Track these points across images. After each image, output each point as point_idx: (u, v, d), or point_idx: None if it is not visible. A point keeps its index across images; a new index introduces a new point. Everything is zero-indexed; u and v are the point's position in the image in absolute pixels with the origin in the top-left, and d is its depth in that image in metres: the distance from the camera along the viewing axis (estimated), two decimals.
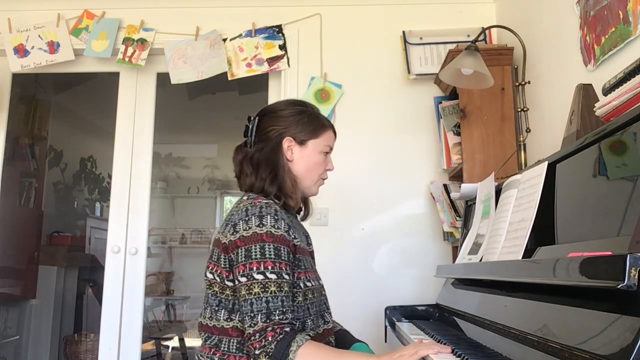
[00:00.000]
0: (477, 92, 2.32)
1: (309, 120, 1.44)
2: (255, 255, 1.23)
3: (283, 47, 2.78)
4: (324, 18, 2.82)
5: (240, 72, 2.76)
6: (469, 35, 2.64)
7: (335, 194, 2.67)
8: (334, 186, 2.68)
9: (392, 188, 2.67)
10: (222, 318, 1.30)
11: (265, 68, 2.77)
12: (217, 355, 1.28)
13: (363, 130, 2.72)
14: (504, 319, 1.21)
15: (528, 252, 1.26)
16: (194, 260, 5.69)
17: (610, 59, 1.61)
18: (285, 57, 2.77)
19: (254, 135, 1.43)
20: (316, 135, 1.45)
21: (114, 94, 2.92)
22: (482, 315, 1.37)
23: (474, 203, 1.80)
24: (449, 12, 2.78)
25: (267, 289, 1.21)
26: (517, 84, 2.16)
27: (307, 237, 1.57)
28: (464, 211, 2.05)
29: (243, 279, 1.23)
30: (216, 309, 1.31)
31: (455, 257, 2.15)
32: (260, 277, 1.21)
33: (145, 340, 3.42)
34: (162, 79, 2.88)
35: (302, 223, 1.56)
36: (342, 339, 1.50)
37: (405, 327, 1.79)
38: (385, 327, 1.95)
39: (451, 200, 2.43)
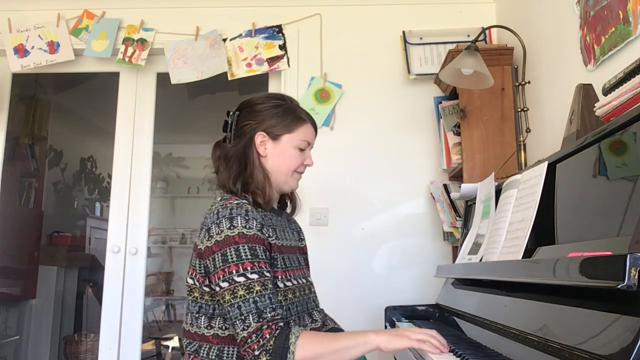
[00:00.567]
0: (477, 92, 2.32)
1: (284, 114, 1.40)
2: (232, 258, 1.21)
3: (283, 47, 2.78)
4: (324, 18, 2.82)
5: (240, 72, 2.76)
6: (469, 35, 2.64)
7: (335, 194, 2.67)
8: (334, 186, 2.69)
9: (392, 188, 2.67)
10: (202, 325, 1.28)
11: (265, 68, 2.76)
12: None
13: (363, 130, 2.72)
14: (504, 319, 1.21)
15: (528, 252, 1.26)
16: None
17: (610, 59, 1.61)
18: (285, 57, 2.77)
19: (233, 130, 1.40)
20: (290, 129, 1.39)
21: (114, 94, 2.92)
22: (482, 315, 1.37)
23: (474, 203, 1.80)
24: (449, 12, 2.78)
25: (251, 290, 1.19)
26: (517, 84, 2.16)
27: (299, 232, 1.56)
28: (464, 211, 2.05)
29: (225, 284, 1.20)
30: (197, 315, 1.30)
31: (455, 257, 2.15)
32: (242, 279, 1.19)
33: (145, 340, 3.42)
34: (162, 79, 2.88)
35: (299, 219, 1.54)
36: None
37: (405, 327, 1.79)
38: (385, 327, 1.95)
39: (451, 200, 2.43)
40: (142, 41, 2.79)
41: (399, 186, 2.67)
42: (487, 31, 2.61)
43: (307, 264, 1.55)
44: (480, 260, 1.52)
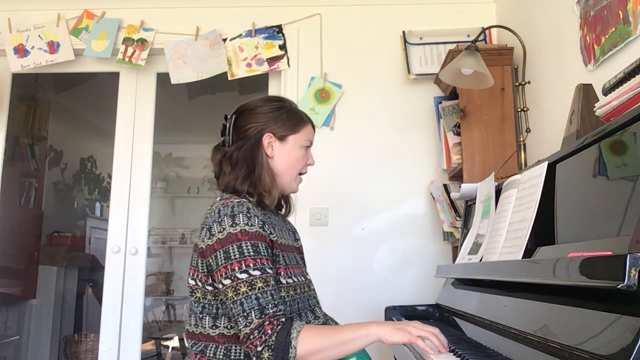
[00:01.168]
0: (477, 92, 2.32)
1: (288, 116, 1.43)
2: (235, 255, 1.22)
3: (283, 47, 2.78)
4: (324, 18, 2.82)
5: (240, 72, 2.76)
6: (469, 35, 2.64)
7: (335, 194, 2.67)
8: (334, 186, 2.69)
9: (392, 188, 2.67)
10: (207, 325, 1.29)
11: (265, 68, 2.77)
12: None
13: (363, 130, 2.72)
14: (504, 319, 1.21)
15: (528, 252, 1.26)
16: None
17: (610, 59, 1.61)
18: (285, 57, 2.77)
19: (232, 133, 1.41)
20: (296, 130, 1.43)
21: (114, 94, 2.91)
22: (482, 315, 1.37)
23: (474, 203, 1.80)
24: (449, 12, 2.78)
25: (254, 286, 1.19)
26: (517, 84, 2.16)
27: (294, 232, 1.57)
28: (464, 211, 2.05)
29: (227, 281, 1.21)
30: (200, 316, 1.30)
31: (455, 257, 2.15)
32: (244, 276, 1.20)
33: (145, 340, 3.43)
34: (162, 79, 2.88)
35: (294, 220, 1.55)
36: None
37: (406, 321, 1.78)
38: None
39: (451, 200, 2.43)
40: (142, 41, 2.79)
41: (399, 186, 2.67)
42: (487, 31, 2.61)
43: (304, 263, 1.56)
44: (480, 260, 1.52)
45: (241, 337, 1.19)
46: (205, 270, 1.29)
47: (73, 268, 4.41)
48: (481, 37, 2.39)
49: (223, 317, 1.28)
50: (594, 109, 1.28)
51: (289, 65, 2.77)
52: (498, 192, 1.57)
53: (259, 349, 1.15)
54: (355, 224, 2.67)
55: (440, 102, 2.53)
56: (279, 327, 1.16)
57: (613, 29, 1.59)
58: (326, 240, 2.63)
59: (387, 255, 2.64)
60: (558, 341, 0.92)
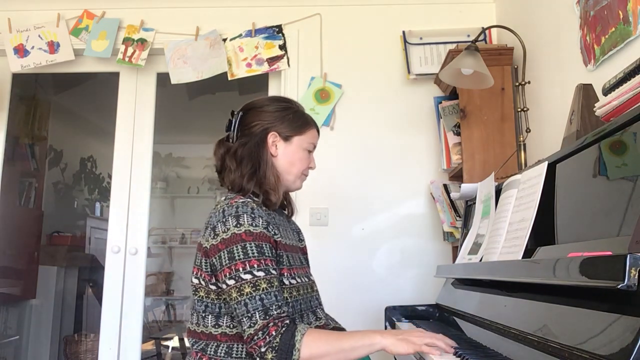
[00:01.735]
0: (477, 92, 2.32)
1: (295, 117, 1.44)
2: (239, 256, 1.22)
3: (283, 47, 2.78)
4: (324, 18, 2.82)
5: (240, 72, 2.76)
6: (469, 35, 2.64)
7: (335, 194, 2.67)
8: (334, 186, 2.69)
9: (392, 188, 2.67)
10: (209, 324, 1.29)
11: (265, 68, 2.77)
12: (204, 359, 1.27)
13: (363, 130, 2.72)
14: (504, 319, 1.21)
15: (528, 252, 1.26)
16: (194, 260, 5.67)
17: (610, 59, 1.61)
18: (285, 57, 2.77)
19: (237, 129, 1.42)
20: (301, 132, 1.44)
21: (114, 94, 2.91)
22: (482, 315, 1.37)
23: (474, 203, 1.80)
24: (449, 12, 2.78)
25: (258, 287, 1.20)
26: (517, 84, 2.16)
27: (299, 232, 1.57)
28: (464, 211, 2.05)
29: (231, 282, 1.21)
30: (203, 314, 1.30)
31: (455, 257, 2.15)
32: (248, 276, 1.20)
33: (145, 340, 3.43)
34: (162, 79, 2.88)
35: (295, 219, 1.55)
36: None
37: (405, 327, 1.79)
38: (385, 327, 1.95)
39: (451, 200, 2.43)
40: (142, 41, 2.79)
41: (399, 186, 2.67)
42: (487, 31, 2.61)
43: (308, 264, 1.56)
44: (480, 260, 1.52)
45: (245, 337, 1.19)
46: (208, 269, 1.29)
47: (73, 268, 4.41)
48: (481, 37, 2.39)
49: (226, 316, 1.28)
50: (594, 109, 1.28)
51: (289, 65, 2.77)
52: (498, 192, 1.57)
53: (263, 349, 1.15)
54: (355, 224, 2.67)
55: (440, 102, 2.53)
56: (284, 329, 1.16)
57: (613, 29, 1.59)
58: (326, 240, 2.63)
59: (387, 255, 2.64)
60: (558, 341, 0.92)
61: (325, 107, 2.71)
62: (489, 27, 2.51)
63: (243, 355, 1.26)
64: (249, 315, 1.18)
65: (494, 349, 1.20)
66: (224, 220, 1.26)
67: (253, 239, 1.24)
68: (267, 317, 1.17)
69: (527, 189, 1.36)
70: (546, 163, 1.30)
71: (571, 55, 1.86)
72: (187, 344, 1.36)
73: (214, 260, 1.26)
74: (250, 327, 1.18)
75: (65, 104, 4.51)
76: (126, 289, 2.73)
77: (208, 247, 1.28)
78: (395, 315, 1.96)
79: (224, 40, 2.78)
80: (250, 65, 2.76)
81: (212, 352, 1.27)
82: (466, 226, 1.92)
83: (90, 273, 4.58)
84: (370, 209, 2.67)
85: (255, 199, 1.34)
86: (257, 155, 1.39)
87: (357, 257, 2.63)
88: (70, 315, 4.37)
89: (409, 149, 2.70)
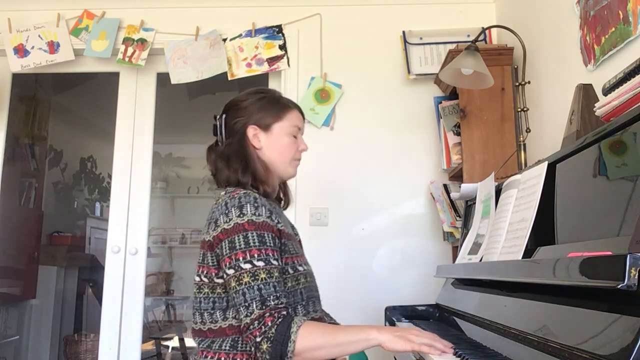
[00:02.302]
0: (477, 92, 2.32)
1: (270, 104, 1.43)
2: (240, 245, 1.22)
3: (283, 47, 2.78)
4: (324, 18, 2.82)
5: (240, 72, 2.76)
6: (469, 35, 2.64)
7: (335, 194, 2.67)
8: (334, 186, 2.69)
9: (392, 188, 2.67)
10: (219, 319, 1.28)
11: (265, 68, 2.77)
12: (209, 356, 1.27)
13: (363, 130, 2.72)
14: (504, 319, 1.21)
15: (528, 252, 1.26)
16: (194, 260, 5.65)
17: (610, 59, 1.61)
18: (285, 57, 2.77)
19: (223, 131, 1.42)
20: (279, 117, 1.42)
21: (114, 94, 2.91)
22: (482, 315, 1.37)
23: (474, 203, 1.80)
24: (449, 12, 2.78)
25: (257, 277, 1.19)
26: (517, 84, 2.16)
27: (293, 227, 1.57)
28: (464, 211, 2.05)
29: (231, 271, 1.21)
30: (212, 311, 1.29)
31: (455, 257, 2.15)
32: (248, 266, 1.20)
33: (145, 340, 3.42)
34: (162, 79, 2.88)
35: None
36: None
37: (405, 326, 1.78)
38: (385, 326, 1.95)
39: (451, 200, 2.43)
40: (142, 41, 2.79)
41: (399, 186, 2.67)
42: (487, 31, 2.61)
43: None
44: (480, 260, 1.52)
45: (241, 327, 1.19)
46: (215, 263, 1.28)
47: (73, 268, 4.41)
48: (481, 37, 2.39)
49: (232, 309, 1.27)
50: (594, 109, 1.28)
51: (289, 65, 2.77)
52: (498, 192, 1.57)
53: (258, 339, 1.15)
54: (355, 224, 2.67)
55: (440, 102, 2.53)
56: (280, 319, 1.16)
57: (613, 29, 1.59)
58: (326, 240, 2.63)
59: (387, 255, 2.64)
60: (558, 341, 0.92)
61: (325, 107, 2.71)
62: (489, 27, 2.51)
63: (247, 348, 1.25)
64: (246, 304, 1.18)
65: (494, 349, 1.20)
66: (226, 212, 1.26)
67: (255, 228, 1.24)
68: (264, 307, 1.17)
69: (527, 189, 1.36)
70: (546, 163, 1.30)
71: (571, 55, 1.86)
72: (194, 343, 1.36)
73: (217, 250, 1.26)
74: (246, 316, 1.17)
75: (65, 104, 4.51)
76: (126, 289, 2.73)
77: (211, 239, 1.28)
78: (395, 315, 1.96)
79: (224, 40, 2.78)
80: (250, 65, 2.76)
81: (217, 347, 1.27)
82: (466, 226, 1.92)
83: (90, 273, 4.58)
84: (370, 209, 2.67)
85: (255, 190, 1.34)
86: (242, 151, 1.38)
87: (357, 257, 2.63)
88: (70, 315, 4.37)
89: (409, 149, 2.70)
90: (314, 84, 2.74)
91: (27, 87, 3.87)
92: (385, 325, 1.95)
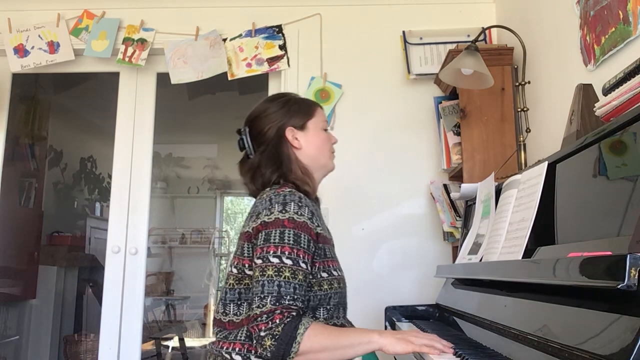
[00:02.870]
0: (477, 92, 2.32)
1: (297, 105, 1.47)
2: (274, 239, 1.23)
3: (283, 47, 2.78)
4: (324, 18, 2.82)
5: (240, 72, 2.76)
6: (469, 35, 2.64)
7: (335, 194, 2.67)
8: (334, 186, 2.68)
9: (392, 188, 2.67)
10: (243, 312, 1.28)
11: (265, 68, 2.77)
12: (225, 346, 1.27)
13: (363, 130, 2.72)
14: (504, 319, 1.21)
15: (528, 252, 1.26)
16: (194, 260, 5.69)
17: (610, 59, 1.61)
18: (285, 57, 2.77)
19: (250, 143, 1.44)
20: (310, 115, 1.47)
21: (114, 94, 2.91)
22: (482, 315, 1.37)
23: (474, 203, 1.80)
24: (449, 12, 2.78)
25: (280, 273, 1.20)
26: (517, 84, 2.16)
27: (329, 231, 1.57)
28: (464, 211, 2.05)
29: (259, 261, 1.23)
30: (238, 302, 1.30)
31: (455, 257, 2.15)
32: (275, 260, 1.21)
33: (145, 340, 3.43)
34: (162, 79, 2.88)
35: None
36: None
37: (405, 327, 1.78)
38: (385, 327, 1.95)
39: (451, 200, 2.43)
40: (142, 41, 2.79)
41: (399, 186, 2.67)
42: (487, 31, 2.61)
43: None
44: (480, 260, 1.52)
45: (251, 315, 1.20)
46: (251, 254, 1.29)
47: (73, 268, 4.41)
48: (481, 37, 2.39)
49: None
50: (594, 109, 1.28)
51: (289, 65, 2.77)
52: (498, 192, 1.57)
53: (262, 334, 1.15)
54: (355, 224, 2.67)
55: (440, 102, 2.53)
56: (288, 319, 1.16)
57: (613, 29, 1.59)
58: None
59: (387, 255, 2.64)
60: (558, 341, 0.92)
61: (325, 107, 2.70)
62: (489, 27, 2.51)
63: None
64: (262, 296, 1.18)
65: (494, 349, 1.20)
66: (269, 207, 1.27)
67: (294, 227, 1.25)
68: (277, 304, 1.17)
69: (527, 189, 1.36)
70: (546, 163, 1.30)
71: (571, 55, 1.86)
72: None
73: (254, 241, 1.27)
74: (258, 307, 1.18)
75: (65, 104, 4.51)
76: (126, 289, 2.73)
77: (250, 230, 1.29)
78: (395, 315, 1.96)
79: (224, 40, 2.78)
80: (250, 65, 2.76)
81: (232, 338, 1.27)
82: (466, 226, 1.92)
83: (90, 273, 4.59)
84: (370, 209, 2.67)
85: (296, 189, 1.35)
86: (278, 155, 1.40)
87: (357, 257, 2.63)
88: (70, 315, 4.37)
89: (409, 149, 2.70)
90: (314, 84, 2.74)
91: (27, 87, 3.87)
92: (385, 325, 1.95)
